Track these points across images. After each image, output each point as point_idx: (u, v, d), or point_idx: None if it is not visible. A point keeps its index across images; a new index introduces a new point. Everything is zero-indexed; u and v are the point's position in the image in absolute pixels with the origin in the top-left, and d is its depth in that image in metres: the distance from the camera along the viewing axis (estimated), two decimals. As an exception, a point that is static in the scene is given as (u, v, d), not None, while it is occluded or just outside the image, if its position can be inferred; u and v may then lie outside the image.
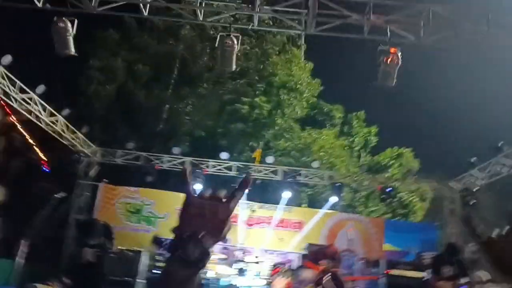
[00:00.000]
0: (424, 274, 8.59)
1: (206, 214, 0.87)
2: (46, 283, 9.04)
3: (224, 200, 0.88)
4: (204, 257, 0.82)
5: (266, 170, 12.58)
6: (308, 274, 1.12)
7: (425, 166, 18.33)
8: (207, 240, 0.83)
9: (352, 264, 10.02)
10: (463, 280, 7.25)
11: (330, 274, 1.13)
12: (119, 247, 8.33)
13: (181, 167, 12.45)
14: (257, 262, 10.29)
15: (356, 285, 9.31)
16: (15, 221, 13.79)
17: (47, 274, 9.60)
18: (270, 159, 12.61)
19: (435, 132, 20.10)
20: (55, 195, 7.69)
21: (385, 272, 8.87)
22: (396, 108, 20.52)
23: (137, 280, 9.14)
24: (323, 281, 1.06)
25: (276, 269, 1.15)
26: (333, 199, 12.32)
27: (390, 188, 12.11)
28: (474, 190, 11.33)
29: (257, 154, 13.62)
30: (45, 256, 11.65)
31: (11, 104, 9.40)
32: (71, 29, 6.98)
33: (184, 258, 0.82)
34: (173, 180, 14.53)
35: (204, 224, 0.85)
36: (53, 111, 10.38)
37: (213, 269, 10.50)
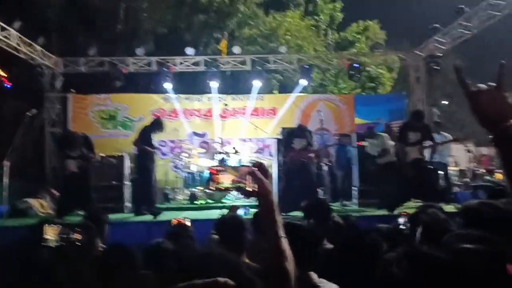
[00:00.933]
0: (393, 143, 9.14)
1: None
2: (36, 197, 9.37)
3: None
4: None
5: (234, 60, 12.50)
6: (244, 169, 1.37)
7: (391, 37, 18.44)
8: None
9: (327, 140, 10.50)
10: (427, 144, 7.79)
11: (258, 164, 1.45)
12: (101, 154, 8.51)
13: (149, 68, 12.29)
14: (235, 152, 10.67)
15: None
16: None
17: (35, 189, 9.93)
18: (236, 49, 12.46)
19: (400, 3, 19.79)
20: (27, 113, 7.59)
21: (356, 143, 9.34)
22: (359, -20, 19.94)
23: (125, 182, 9.50)
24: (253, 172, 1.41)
25: (213, 170, 1.31)
26: (303, 81, 12.48)
27: (358, 64, 12.27)
28: (439, 55, 11.60)
29: (223, 45, 13.40)
30: (29, 173, 11.86)
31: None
32: None
33: None
34: (142, 82, 14.39)
35: None
36: (3, 25, 9.85)
37: (195, 163, 10.86)
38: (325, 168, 8.85)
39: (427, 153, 7.91)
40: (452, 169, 11.70)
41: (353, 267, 2.12)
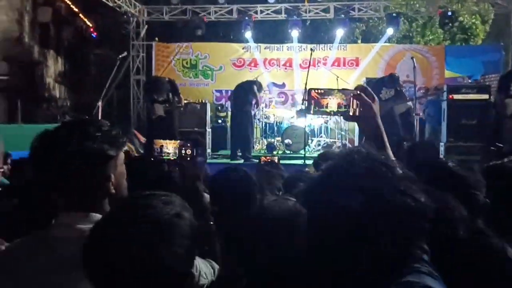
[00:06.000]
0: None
1: None
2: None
3: None
4: None
5: (316, 8, 12.04)
6: (350, 91, 1.35)
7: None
8: None
9: (413, 94, 9.96)
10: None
11: (363, 88, 1.42)
12: (185, 101, 8.71)
13: (229, 16, 12.19)
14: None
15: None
16: (81, 88, 14.53)
17: (125, 132, 10.42)
18: (320, -4, 12.01)
19: None
20: (119, 56, 7.84)
21: (449, 97, 8.78)
22: None
23: (206, 129, 9.72)
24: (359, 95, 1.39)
25: (315, 93, 1.26)
26: (389, 31, 11.81)
27: (451, 12, 11.37)
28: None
29: (305, -8, 12.92)
30: (118, 115, 12.45)
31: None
32: None
33: None
34: (223, 31, 14.36)
35: None
36: (92, -28, 10.11)
37: (274, 114, 10.80)
38: (412, 121, 8.43)
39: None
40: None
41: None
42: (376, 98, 1.48)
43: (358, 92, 1.46)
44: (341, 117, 1.58)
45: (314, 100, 1.53)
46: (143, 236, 1.04)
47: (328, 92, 1.53)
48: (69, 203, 1.40)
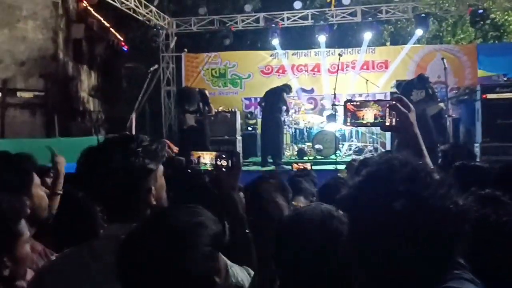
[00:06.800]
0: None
1: None
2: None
3: None
4: None
5: (343, 12, 12.00)
6: (385, 102, 1.37)
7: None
8: None
9: (445, 95, 9.78)
10: None
11: (398, 98, 1.43)
12: (215, 110, 8.83)
13: (256, 24, 12.29)
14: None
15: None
16: (113, 101, 14.90)
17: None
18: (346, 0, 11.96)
19: None
20: (150, 68, 8.04)
21: (482, 97, 8.59)
22: None
23: (237, 137, 9.81)
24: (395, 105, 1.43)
25: (350, 105, 1.29)
26: (419, 32, 11.66)
27: (482, 9, 11.13)
28: None
29: (331, -3, 12.91)
30: (150, 126, 12.71)
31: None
32: None
33: None
34: (250, 39, 14.50)
35: None
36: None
37: (303, 119, 10.79)
38: (445, 122, 8.28)
39: None
40: None
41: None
42: (412, 107, 1.48)
43: (394, 102, 1.48)
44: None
45: (350, 113, 1.55)
46: (161, 242, 1.11)
47: (364, 104, 1.56)
48: (114, 215, 1.48)
